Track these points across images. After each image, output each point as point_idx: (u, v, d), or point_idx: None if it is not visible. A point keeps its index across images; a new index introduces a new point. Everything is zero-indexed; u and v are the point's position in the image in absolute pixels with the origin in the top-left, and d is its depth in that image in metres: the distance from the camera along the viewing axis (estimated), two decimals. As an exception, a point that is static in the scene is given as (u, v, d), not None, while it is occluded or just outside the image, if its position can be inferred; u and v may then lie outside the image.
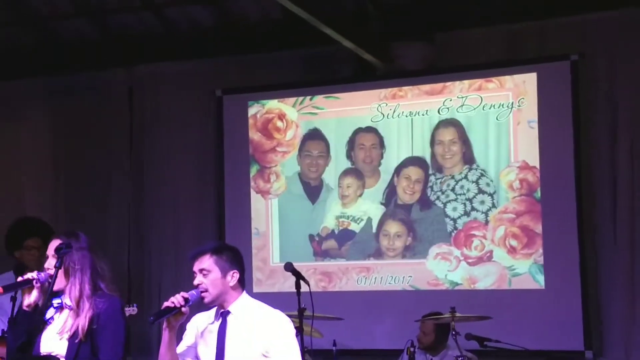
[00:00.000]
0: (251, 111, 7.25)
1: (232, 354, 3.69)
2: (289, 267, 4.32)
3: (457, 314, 5.46)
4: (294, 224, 7.06)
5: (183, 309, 3.62)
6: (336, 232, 6.96)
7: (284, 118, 7.16)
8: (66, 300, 3.69)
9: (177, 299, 3.62)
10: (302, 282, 4.31)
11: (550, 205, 6.38)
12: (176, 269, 7.27)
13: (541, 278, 6.37)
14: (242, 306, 3.76)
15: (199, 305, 3.81)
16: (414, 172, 6.79)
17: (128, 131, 7.65)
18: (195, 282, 3.72)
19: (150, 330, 7.18)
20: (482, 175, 6.59)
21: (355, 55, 6.80)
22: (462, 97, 6.65)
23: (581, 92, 6.37)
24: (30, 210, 7.61)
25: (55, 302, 3.75)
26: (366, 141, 6.93)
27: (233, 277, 3.74)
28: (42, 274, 3.72)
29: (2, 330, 5.16)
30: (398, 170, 6.84)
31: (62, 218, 7.63)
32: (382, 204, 6.85)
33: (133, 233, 7.56)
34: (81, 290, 3.69)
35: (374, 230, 6.86)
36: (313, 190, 7.06)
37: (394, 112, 6.83)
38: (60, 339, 3.66)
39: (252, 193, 7.18)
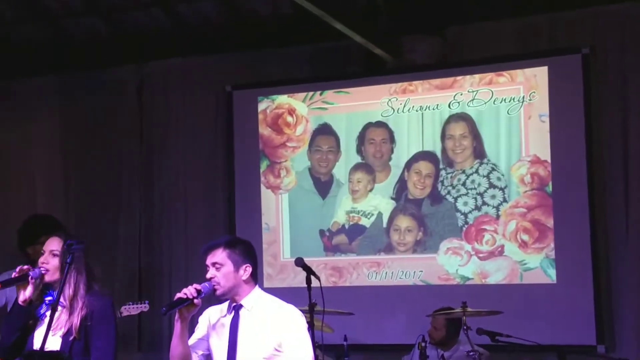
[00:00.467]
0: (261, 106, 7.25)
1: (245, 347, 3.70)
2: (299, 263, 4.31)
3: (469, 309, 5.45)
4: (304, 219, 7.06)
5: (195, 301, 3.64)
6: (347, 227, 6.96)
7: (294, 113, 7.16)
8: (59, 298, 3.76)
9: (189, 291, 3.64)
10: (312, 277, 4.31)
11: (561, 199, 6.36)
12: (187, 265, 7.27)
13: (553, 272, 6.35)
14: (255, 300, 3.77)
15: (211, 299, 3.81)
16: (424, 166, 6.77)
17: (138, 127, 7.65)
18: (208, 275, 3.73)
19: (161, 327, 7.21)
20: (493, 169, 6.57)
21: (365, 50, 6.78)
22: (473, 91, 6.63)
23: (592, 85, 6.33)
24: (41, 206, 7.64)
25: (47, 298, 3.82)
26: (376, 136, 6.92)
27: (246, 270, 3.75)
28: (36, 270, 3.82)
29: None
30: (408, 164, 6.82)
31: (72, 215, 7.64)
32: (392, 198, 6.84)
33: (144, 229, 7.55)
34: (75, 289, 3.80)
35: (384, 225, 6.85)
36: (323, 185, 7.06)
37: (404, 106, 6.82)
38: (53, 336, 3.72)
39: (263, 188, 7.18)
